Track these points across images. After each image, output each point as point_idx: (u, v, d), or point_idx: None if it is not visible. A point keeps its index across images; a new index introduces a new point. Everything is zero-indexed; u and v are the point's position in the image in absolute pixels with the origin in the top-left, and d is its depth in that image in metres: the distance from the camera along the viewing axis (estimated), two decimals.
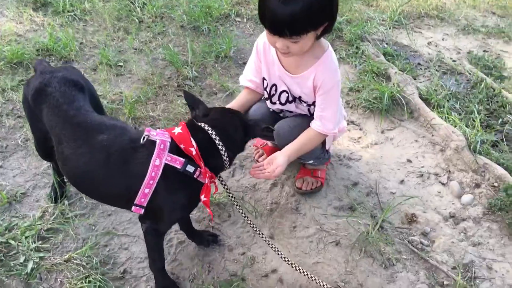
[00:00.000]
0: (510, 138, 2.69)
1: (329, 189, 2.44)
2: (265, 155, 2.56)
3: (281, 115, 2.29)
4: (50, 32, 3.25)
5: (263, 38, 2.01)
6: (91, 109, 1.84)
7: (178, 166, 1.64)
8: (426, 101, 2.93)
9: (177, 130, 1.72)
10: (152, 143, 1.66)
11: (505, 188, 2.30)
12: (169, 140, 1.68)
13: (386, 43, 3.52)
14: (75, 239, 2.12)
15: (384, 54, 3.35)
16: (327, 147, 2.28)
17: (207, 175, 1.69)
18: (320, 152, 2.27)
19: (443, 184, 2.48)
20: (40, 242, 2.08)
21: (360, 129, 2.82)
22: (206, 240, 2.13)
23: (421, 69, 3.30)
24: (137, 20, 3.58)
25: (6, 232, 2.10)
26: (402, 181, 2.49)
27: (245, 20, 3.74)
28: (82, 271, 1.96)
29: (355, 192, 2.41)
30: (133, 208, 1.66)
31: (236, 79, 3.10)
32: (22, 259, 2.00)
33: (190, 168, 1.66)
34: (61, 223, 2.16)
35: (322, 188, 2.42)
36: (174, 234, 2.16)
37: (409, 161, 2.61)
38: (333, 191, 2.43)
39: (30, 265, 1.98)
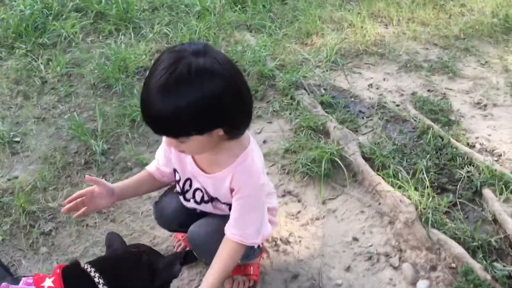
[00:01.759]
0: (464, 200, 2.40)
1: (264, 286, 2.06)
2: (183, 244, 2.17)
3: (198, 211, 1.90)
4: None
5: None
6: None
7: None
8: (370, 160, 2.61)
9: (47, 283, 1.30)
10: None
11: (464, 272, 1.99)
12: None
13: (324, 89, 3.20)
14: None
15: (321, 103, 3.03)
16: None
17: None
18: (249, 250, 1.89)
19: (394, 267, 2.14)
20: None
21: (299, 201, 2.47)
22: None
23: (362, 117, 2.99)
24: (39, 82, 3.11)
25: None
26: (348, 268, 2.14)
27: None
28: None
29: (295, 287, 2.05)
30: None
31: (156, 148, 2.69)
32: None
33: None
34: None
35: (257, 286, 2.05)
36: None
37: (355, 239, 2.27)
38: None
39: None
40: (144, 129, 2.80)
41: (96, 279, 1.32)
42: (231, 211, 1.66)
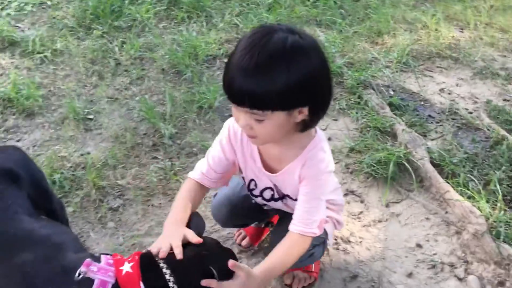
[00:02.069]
0: None
1: (322, 283, 2.04)
2: (248, 238, 2.18)
3: (265, 208, 1.91)
4: (14, 78, 2.89)
5: (233, 122, 1.64)
6: (24, 210, 1.44)
7: None
8: (439, 167, 2.52)
9: (126, 267, 1.32)
10: (90, 281, 1.27)
11: None
12: (113, 281, 1.28)
13: (393, 90, 3.13)
14: None
15: (390, 105, 2.96)
16: (328, 243, 1.89)
17: None
18: (311, 250, 1.81)
19: (459, 279, 2.07)
20: None
21: (361, 202, 2.43)
22: None
23: (432, 122, 2.90)
24: (113, 63, 3.20)
25: None
26: (410, 274, 2.09)
27: None
28: None
29: (354, 287, 2.02)
30: None
31: None
32: None
33: None
34: None
35: (316, 283, 2.04)
36: None
37: (418, 246, 2.21)
38: (327, 286, 2.04)
39: None
40: (210, 117, 2.84)
41: (167, 276, 1.34)
42: (297, 204, 1.62)
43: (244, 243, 2.17)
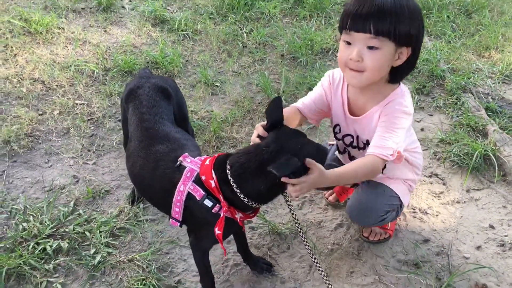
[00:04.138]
0: None
1: (396, 240, 2.34)
2: (335, 194, 2.52)
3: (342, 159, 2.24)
4: (161, 47, 3.53)
5: (333, 72, 1.99)
6: (168, 118, 1.97)
7: (198, 198, 1.65)
8: None
9: (207, 162, 1.70)
10: (184, 168, 1.71)
11: None
12: (197, 170, 1.69)
13: (492, 98, 3.31)
14: (141, 242, 2.27)
15: (486, 109, 3.16)
16: (404, 203, 2.13)
17: (224, 209, 1.64)
18: (386, 212, 2.11)
19: None
20: (111, 238, 2.26)
21: (444, 184, 2.67)
22: (260, 267, 2.15)
23: None
24: (241, 45, 3.76)
25: (85, 223, 2.32)
26: (479, 247, 2.31)
27: None
28: (140, 273, 2.09)
29: (424, 249, 2.29)
30: (170, 220, 1.75)
31: None
32: (92, 251, 2.18)
33: (208, 203, 1.64)
34: (133, 224, 2.33)
35: (390, 239, 2.33)
36: (232, 256, 2.21)
37: (491, 227, 2.42)
38: (400, 243, 2.33)
39: (98, 258, 2.15)
40: None
41: (228, 169, 1.62)
42: (374, 134, 1.80)
43: (331, 198, 2.53)
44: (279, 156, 1.51)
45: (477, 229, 2.41)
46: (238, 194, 1.61)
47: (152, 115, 1.91)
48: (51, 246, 2.17)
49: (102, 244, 2.21)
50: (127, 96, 2.02)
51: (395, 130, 1.76)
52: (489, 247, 2.32)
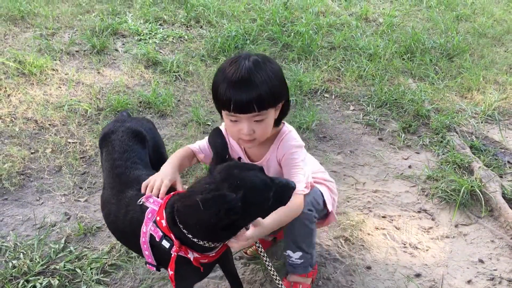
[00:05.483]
0: None
1: (387, 274, 2.35)
2: (253, 248, 2.41)
3: None
4: (154, 87, 3.61)
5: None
6: (142, 161, 1.96)
7: (157, 239, 1.62)
8: (510, 201, 2.76)
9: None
10: (146, 208, 1.69)
11: None
12: (156, 209, 1.67)
13: (476, 137, 3.41)
14: (133, 278, 2.25)
15: (470, 147, 3.25)
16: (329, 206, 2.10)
17: (175, 248, 1.59)
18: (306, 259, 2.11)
19: None
20: (102, 275, 2.23)
21: (432, 219, 2.71)
22: None
23: (510, 167, 3.13)
24: None
25: (76, 260, 2.30)
26: (469, 281, 2.33)
27: (333, 96, 3.86)
28: None
29: (416, 283, 2.30)
30: (147, 265, 1.74)
31: (314, 152, 3.18)
32: None
33: (165, 244, 1.60)
34: (124, 260, 2.31)
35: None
36: None
37: (481, 261, 2.45)
38: (391, 277, 2.33)
39: None
40: (307, 136, 3.32)
41: (177, 219, 1.57)
42: (284, 176, 1.90)
43: (249, 252, 2.43)
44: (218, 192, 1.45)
45: (467, 264, 2.44)
46: (186, 234, 1.56)
47: (124, 160, 1.90)
48: (41, 284, 2.14)
49: (93, 281, 2.19)
50: (101, 141, 2.03)
51: (298, 164, 1.89)
52: (479, 281, 2.34)
